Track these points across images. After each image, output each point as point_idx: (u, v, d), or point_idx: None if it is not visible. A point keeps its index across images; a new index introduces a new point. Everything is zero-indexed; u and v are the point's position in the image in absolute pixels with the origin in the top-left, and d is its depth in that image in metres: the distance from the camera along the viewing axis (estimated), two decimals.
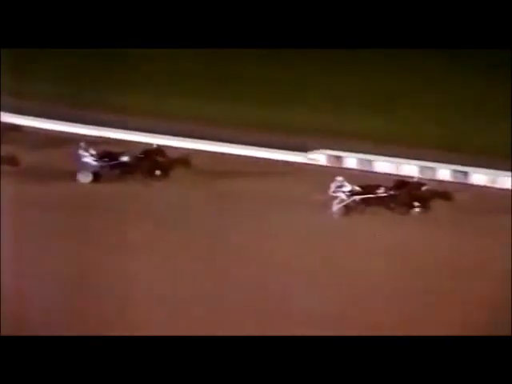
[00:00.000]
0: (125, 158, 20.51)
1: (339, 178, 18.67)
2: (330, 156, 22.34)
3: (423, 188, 18.81)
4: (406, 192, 18.72)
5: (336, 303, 14.41)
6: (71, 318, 13.43)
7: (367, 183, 19.06)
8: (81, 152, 20.67)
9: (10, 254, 15.22)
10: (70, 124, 24.73)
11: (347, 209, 18.65)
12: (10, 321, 12.58)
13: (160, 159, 20.69)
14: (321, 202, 18.43)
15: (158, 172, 20.40)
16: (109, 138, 23.74)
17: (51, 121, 24.96)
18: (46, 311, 13.67)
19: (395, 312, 13.97)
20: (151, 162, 20.58)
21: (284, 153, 22.66)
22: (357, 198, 18.59)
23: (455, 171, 21.02)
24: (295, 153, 22.51)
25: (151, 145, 21.30)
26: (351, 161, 22.18)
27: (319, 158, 22.37)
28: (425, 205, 18.64)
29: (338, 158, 22.29)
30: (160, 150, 20.86)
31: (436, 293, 14.84)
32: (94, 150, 20.88)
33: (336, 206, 18.58)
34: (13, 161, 20.32)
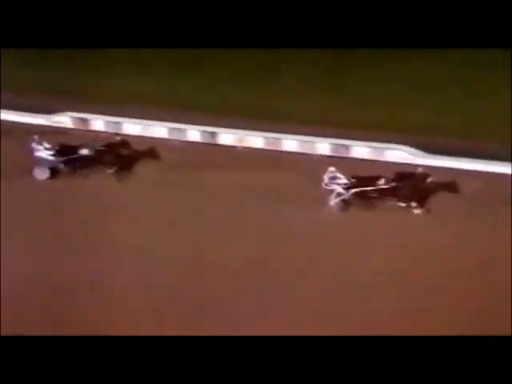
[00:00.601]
0: (85, 152, 18.55)
1: (331, 169, 17.58)
2: (75, 118, 20.71)
3: (428, 180, 17.75)
4: (409, 184, 17.65)
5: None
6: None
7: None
8: (34, 145, 18.51)
9: None
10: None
11: (345, 203, 17.64)
12: None
13: (124, 152, 18.79)
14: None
15: (120, 165, 18.43)
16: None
17: None
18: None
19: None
20: (114, 155, 18.70)
21: (26, 115, 20.66)
22: (355, 190, 17.57)
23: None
24: (38, 115, 20.65)
25: (114, 136, 19.33)
26: (98, 123, 20.56)
27: (64, 120, 20.70)
28: (428, 198, 17.61)
29: (85, 120, 20.64)
30: (124, 141, 18.98)
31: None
32: (49, 142, 18.62)
33: (333, 201, 17.59)
34: None
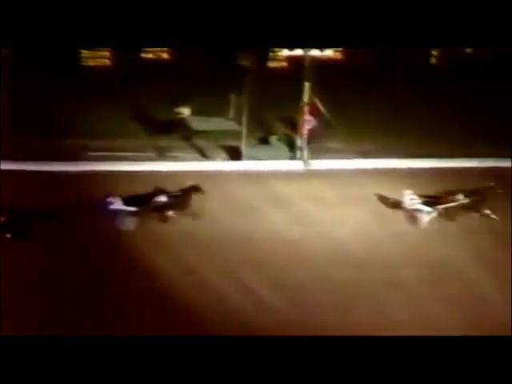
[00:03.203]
0: (162, 199, 17.21)
1: (408, 192, 17.64)
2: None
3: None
4: (482, 198, 17.60)
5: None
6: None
7: None
8: (110, 199, 16.86)
9: None
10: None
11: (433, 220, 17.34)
12: None
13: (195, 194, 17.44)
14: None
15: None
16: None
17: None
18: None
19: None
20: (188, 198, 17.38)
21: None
22: (443, 206, 17.49)
23: None
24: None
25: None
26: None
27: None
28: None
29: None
30: (197, 187, 17.55)
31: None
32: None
33: (423, 218, 17.39)
34: None
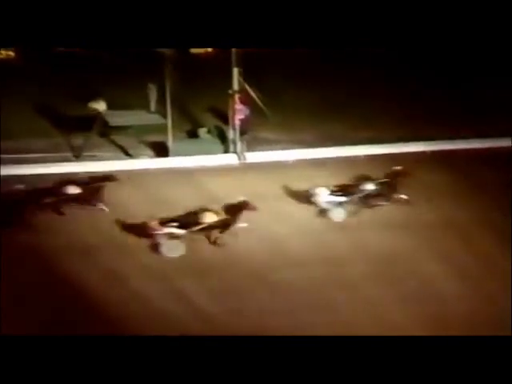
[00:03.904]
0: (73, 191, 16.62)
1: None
2: None
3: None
4: (393, 184, 17.24)
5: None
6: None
7: None
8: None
9: None
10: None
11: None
12: None
13: None
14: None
15: None
16: None
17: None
18: None
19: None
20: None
21: None
22: (352, 197, 17.06)
23: None
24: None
25: None
26: None
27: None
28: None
29: None
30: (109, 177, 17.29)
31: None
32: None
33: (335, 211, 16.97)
34: None
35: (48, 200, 16.70)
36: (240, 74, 20.09)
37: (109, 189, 17.31)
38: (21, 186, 16.90)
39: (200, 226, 15.76)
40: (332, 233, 16.69)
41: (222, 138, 20.78)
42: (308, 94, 23.05)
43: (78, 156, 20.33)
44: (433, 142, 20.65)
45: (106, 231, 16.45)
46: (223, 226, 15.99)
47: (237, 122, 20.26)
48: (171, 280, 14.71)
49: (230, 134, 20.48)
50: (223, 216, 16.08)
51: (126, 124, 20.70)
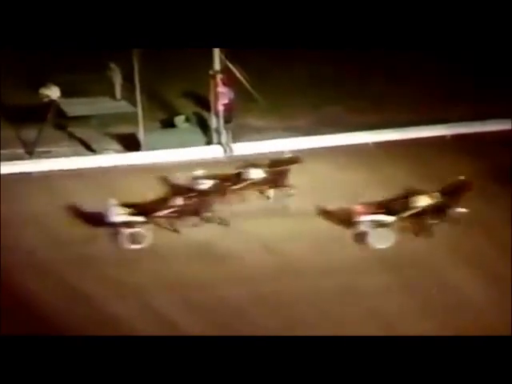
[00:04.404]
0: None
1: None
2: None
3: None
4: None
5: None
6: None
7: None
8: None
9: None
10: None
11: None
12: None
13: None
14: None
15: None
16: None
17: None
18: None
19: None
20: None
21: None
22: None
23: None
24: None
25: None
26: None
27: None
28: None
29: None
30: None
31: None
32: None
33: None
34: None
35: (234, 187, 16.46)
36: (222, 51, 18.71)
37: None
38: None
39: (410, 212, 15.20)
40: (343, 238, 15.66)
41: (203, 127, 19.59)
42: (301, 72, 21.51)
43: (30, 152, 19.01)
44: (453, 124, 19.27)
45: None
46: (438, 210, 15.33)
47: (220, 108, 19.04)
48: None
49: (213, 123, 19.36)
50: (438, 199, 15.43)
51: (86, 114, 19.51)
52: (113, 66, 19.70)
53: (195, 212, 15.61)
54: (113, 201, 15.19)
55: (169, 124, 19.95)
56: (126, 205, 15.31)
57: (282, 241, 15.49)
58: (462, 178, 15.74)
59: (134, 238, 15.27)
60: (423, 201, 15.30)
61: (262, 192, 16.78)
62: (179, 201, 15.59)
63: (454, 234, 15.44)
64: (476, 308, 13.55)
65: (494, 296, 13.71)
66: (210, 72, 18.76)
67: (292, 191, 16.53)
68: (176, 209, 15.43)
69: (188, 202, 15.62)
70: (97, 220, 15.54)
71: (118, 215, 15.17)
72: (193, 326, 13.13)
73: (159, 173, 17.72)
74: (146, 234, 15.33)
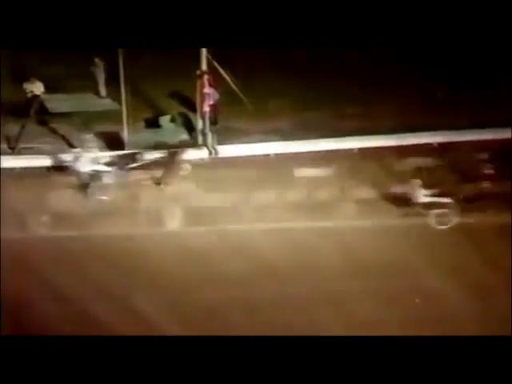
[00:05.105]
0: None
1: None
2: None
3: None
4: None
5: None
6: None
7: None
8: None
9: None
10: None
11: None
12: None
13: None
14: None
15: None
16: None
17: None
18: None
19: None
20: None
21: None
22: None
23: None
24: None
25: None
26: None
27: None
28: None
29: None
30: None
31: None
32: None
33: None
34: None
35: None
36: (209, 51, 18.68)
37: None
38: None
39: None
40: (320, 239, 16.06)
41: (189, 127, 19.58)
42: (288, 74, 21.06)
43: (13, 148, 18.86)
44: (440, 133, 19.29)
45: None
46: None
47: (206, 109, 18.95)
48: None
49: (198, 124, 19.26)
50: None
51: (69, 110, 19.48)
52: (97, 60, 19.53)
53: None
54: None
55: (153, 123, 19.81)
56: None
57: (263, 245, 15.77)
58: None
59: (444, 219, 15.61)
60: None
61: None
62: None
63: (437, 242, 15.69)
64: (459, 318, 13.80)
65: (476, 306, 14.03)
66: (197, 72, 18.68)
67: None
68: None
69: None
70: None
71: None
72: (173, 326, 13.41)
73: None
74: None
